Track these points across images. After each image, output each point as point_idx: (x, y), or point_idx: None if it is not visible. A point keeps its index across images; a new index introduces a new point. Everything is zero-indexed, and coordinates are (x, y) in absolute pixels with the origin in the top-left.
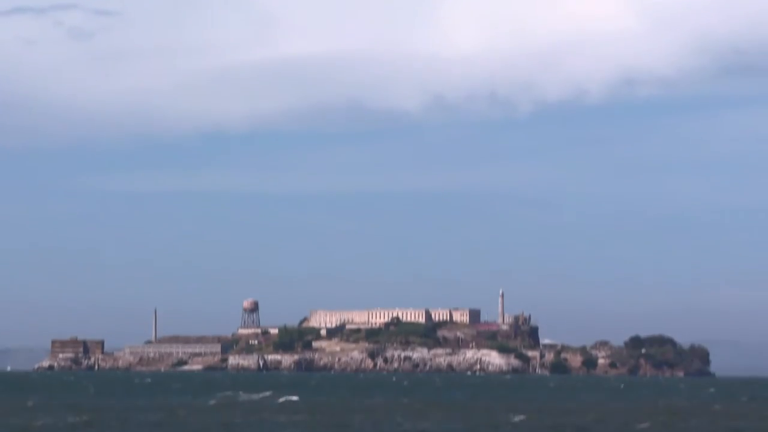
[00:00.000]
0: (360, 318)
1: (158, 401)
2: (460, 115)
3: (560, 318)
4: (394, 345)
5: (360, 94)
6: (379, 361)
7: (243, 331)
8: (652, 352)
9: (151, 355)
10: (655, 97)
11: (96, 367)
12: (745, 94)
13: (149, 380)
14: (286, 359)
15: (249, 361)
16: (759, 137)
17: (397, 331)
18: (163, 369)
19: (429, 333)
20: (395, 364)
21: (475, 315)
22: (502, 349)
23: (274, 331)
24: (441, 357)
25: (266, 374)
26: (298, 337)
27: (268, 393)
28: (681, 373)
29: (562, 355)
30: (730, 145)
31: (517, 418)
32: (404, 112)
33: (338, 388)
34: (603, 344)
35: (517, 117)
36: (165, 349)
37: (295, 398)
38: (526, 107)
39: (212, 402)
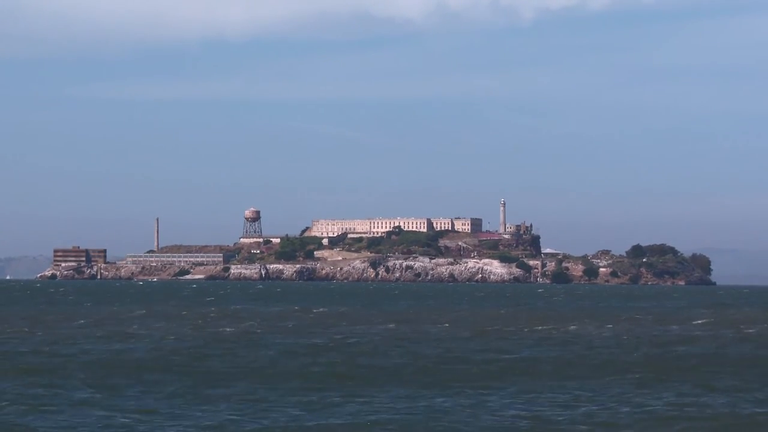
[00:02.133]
0: (362, 227)
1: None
2: (463, 22)
3: (562, 228)
4: (396, 254)
5: (364, 1)
6: (381, 271)
7: (245, 241)
8: (654, 261)
9: (153, 264)
10: (659, 4)
11: (98, 276)
12: (749, 2)
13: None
14: (288, 269)
15: (251, 270)
16: (760, 44)
17: (399, 240)
18: (168, 278)
19: (431, 242)
20: (397, 274)
21: (476, 224)
22: (504, 259)
23: (276, 240)
24: (443, 267)
25: (276, 284)
26: (299, 247)
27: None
28: (682, 282)
29: (564, 264)
30: (733, 52)
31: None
32: (407, 20)
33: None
34: (604, 253)
35: (520, 24)
36: (167, 258)
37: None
38: (529, 14)
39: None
